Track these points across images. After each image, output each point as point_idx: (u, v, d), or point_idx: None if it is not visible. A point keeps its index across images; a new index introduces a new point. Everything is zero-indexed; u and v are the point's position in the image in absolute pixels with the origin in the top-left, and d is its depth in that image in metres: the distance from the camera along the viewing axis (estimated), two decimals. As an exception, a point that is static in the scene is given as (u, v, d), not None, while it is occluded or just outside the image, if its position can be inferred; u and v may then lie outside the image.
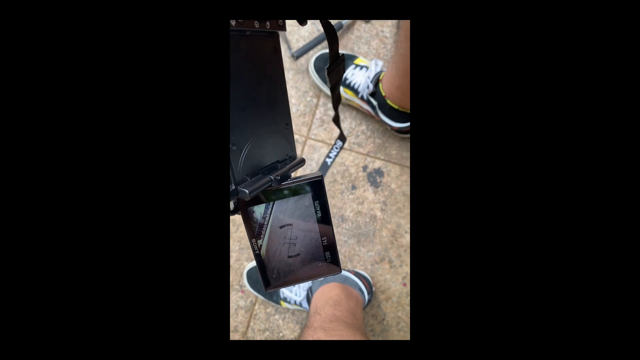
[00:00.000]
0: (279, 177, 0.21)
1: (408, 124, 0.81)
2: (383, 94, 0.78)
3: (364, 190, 0.91)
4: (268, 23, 0.20)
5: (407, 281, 0.89)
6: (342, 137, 0.31)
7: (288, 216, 0.22)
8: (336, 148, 0.35)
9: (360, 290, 0.79)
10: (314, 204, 0.23)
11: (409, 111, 0.78)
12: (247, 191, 0.19)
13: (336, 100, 0.25)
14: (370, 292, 0.82)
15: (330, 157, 0.36)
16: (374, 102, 0.80)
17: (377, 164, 0.92)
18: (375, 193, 0.91)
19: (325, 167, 0.30)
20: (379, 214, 0.90)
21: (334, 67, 0.22)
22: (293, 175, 0.23)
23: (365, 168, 0.92)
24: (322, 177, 0.23)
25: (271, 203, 0.22)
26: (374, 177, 0.91)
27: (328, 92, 0.91)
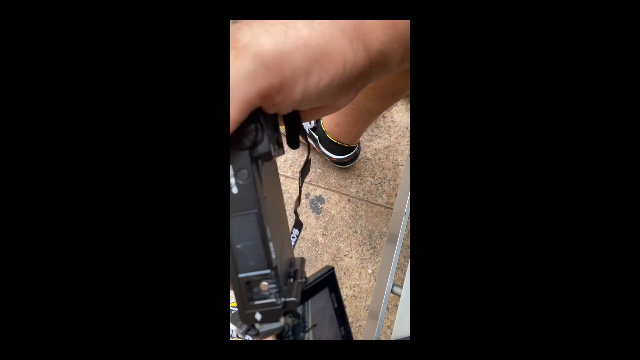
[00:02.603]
0: (304, 280, 0.21)
1: (346, 155, 0.89)
2: (324, 129, 0.85)
3: (307, 217, 0.96)
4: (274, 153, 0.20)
5: (348, 303, 0.94)
6: (298, 225, 0.33)
7: (312, 317, 0.22)
8: (293, 237, 0.35)
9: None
10: (330, 296, 0.24)
11: (346, 145, 0.86)
12: (296, 300, 0.19)
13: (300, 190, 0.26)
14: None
15: None
16: (316, 136, 0.87)
17: (319, 191, 0.98)
18: (317, 219, 0.96)
19: None
20: (320, 239, 0.96)
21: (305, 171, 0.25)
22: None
23: (307, 195, 0.97)
24: (333, 269, 0.23)
25: (305, 304, 0.22)
26: (316, 204, 0.97)
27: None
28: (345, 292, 0.94)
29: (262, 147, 0.18)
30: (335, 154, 0.89)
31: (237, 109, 0.15)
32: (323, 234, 0.96)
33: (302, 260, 0.23)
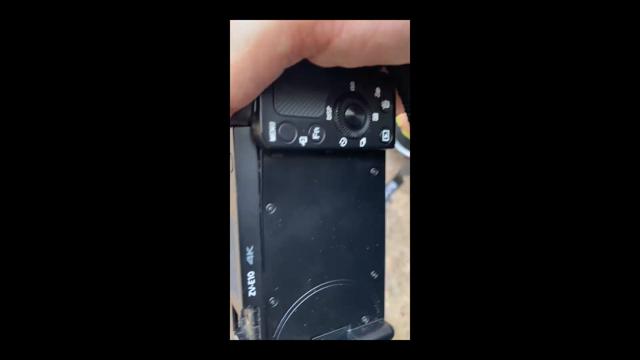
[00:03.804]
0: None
1: (421, 155, 0.82)
2: (399, 124, 0.79)
3: (371, 215, 0.92)
4: (364, 140, 0.14)
5: (406, 311, 0.88)
6: (398, 179, 0.27)
7: None
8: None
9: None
10: None
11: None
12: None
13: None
14: (367, 318, 0.83)
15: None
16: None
17: (387, 190, 0.92)
18: (382, 219, 0.92)
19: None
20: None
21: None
22: None
23: (374, 193, 0.93)
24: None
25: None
26: (383, 203, 0.92)
27: None
28: (404, 300, 0.88)
29: (256, 128, 0.13)
30: (409, 151, 0.82)
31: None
32: (388, 236, 0.90)
33: (388, 334, 0.17)
